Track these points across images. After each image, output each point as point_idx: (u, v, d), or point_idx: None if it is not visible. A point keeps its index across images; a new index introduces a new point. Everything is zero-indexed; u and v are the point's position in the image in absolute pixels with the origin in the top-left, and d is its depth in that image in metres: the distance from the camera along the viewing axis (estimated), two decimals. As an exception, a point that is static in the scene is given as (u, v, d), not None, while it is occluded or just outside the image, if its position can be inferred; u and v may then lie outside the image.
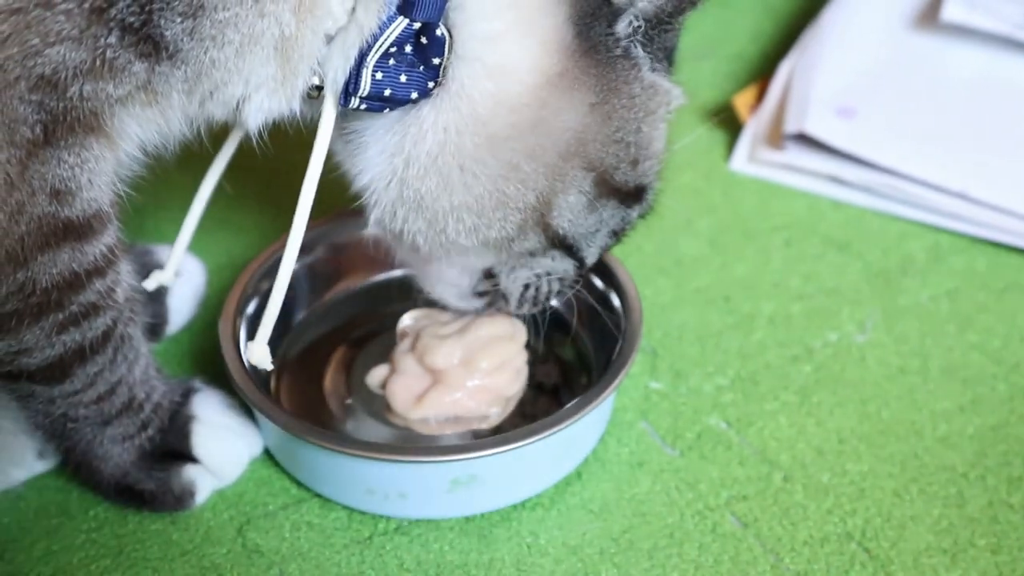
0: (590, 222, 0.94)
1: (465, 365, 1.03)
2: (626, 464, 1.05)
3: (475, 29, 0.87)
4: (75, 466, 1.00)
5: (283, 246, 0.93)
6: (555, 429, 0.97)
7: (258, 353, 0.95)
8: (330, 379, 1.10)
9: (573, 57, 0.88)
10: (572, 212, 0.93)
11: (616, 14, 0.89)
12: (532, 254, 0.96)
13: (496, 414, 1.05)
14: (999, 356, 1.15)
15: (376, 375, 1.07)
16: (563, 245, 0.95)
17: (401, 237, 0.95)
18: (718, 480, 1.04)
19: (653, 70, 0.92)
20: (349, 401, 1.08)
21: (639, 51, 0.91)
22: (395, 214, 0.93)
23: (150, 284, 1.06)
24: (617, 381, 1.01)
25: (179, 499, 1.00)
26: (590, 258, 0.98)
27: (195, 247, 1.17)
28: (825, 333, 1.17)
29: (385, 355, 1.08)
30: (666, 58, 0.94)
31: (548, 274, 0.99)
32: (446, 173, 0.90)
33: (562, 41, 0.88)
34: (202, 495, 1.01)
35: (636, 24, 0.90)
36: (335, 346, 1.13)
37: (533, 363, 1.07)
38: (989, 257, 1.26)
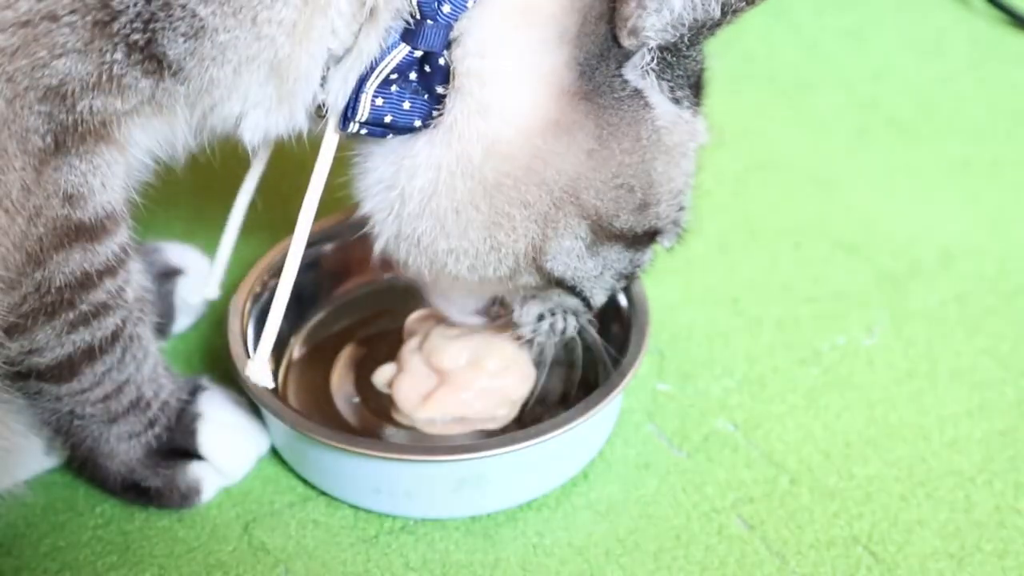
0: (590, 266, 0.93)
1: (472, 366, 1.03)
2: (632, 465, 1.05)
3: (470, 65, 0.85)
4: (81, 463, 1.00)
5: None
6: (562, 430, 0.97)
7: (257, 371, 0.95)
8: (337, 377, 1.10)
9: (572, 101, 0.86)
10: (567, 256, 0.91)
11: (627, 55, 0.86)
12: (537, 288, 0.95)
13: (503, 416, 1.05)
14: (1008, 360, 1.14)
15: (383, 374, 1.07)
16: (562, 286, 0.94)
17: (407, 266, 0.94)
18: (724, 482, 1.03)
19: (675, 100, 0.89)
20: (356, 400, 1.08)
21: (654, 83, 0.88)
22: (398, 247, 0.92)
23: (195, 299, 1.09)
24: (624, 382, 1.01)
25: (185, 496, 1.00)
26: (596, 299, 0.96)
27: (203, 245, 1.17)
28: (833, 336, 1.17)
29: (393, 354, 1.08)
30: (691, 85, 0.90)
31: (562, 308, 0.98)
32: (441, 216, 0.89)
33: (561, 85, 0.85)
34: (208, 493, 1.01)
35: (651, 56, 0.87)
36: (343, 344, 1.13)
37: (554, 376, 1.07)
38: (998, 261, 1.26)
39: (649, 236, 0.94)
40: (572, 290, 0.95)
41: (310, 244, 0.94)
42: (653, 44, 0.86)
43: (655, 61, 0.87)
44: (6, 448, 0.93)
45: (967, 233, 1.30)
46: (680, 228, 0.96)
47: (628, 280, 0.98)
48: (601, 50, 0.85)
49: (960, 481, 1.04)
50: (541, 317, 0.99)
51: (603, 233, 0.90)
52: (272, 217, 1.13)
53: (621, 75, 0.86)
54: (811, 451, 1.06)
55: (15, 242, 0.82)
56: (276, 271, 1.10)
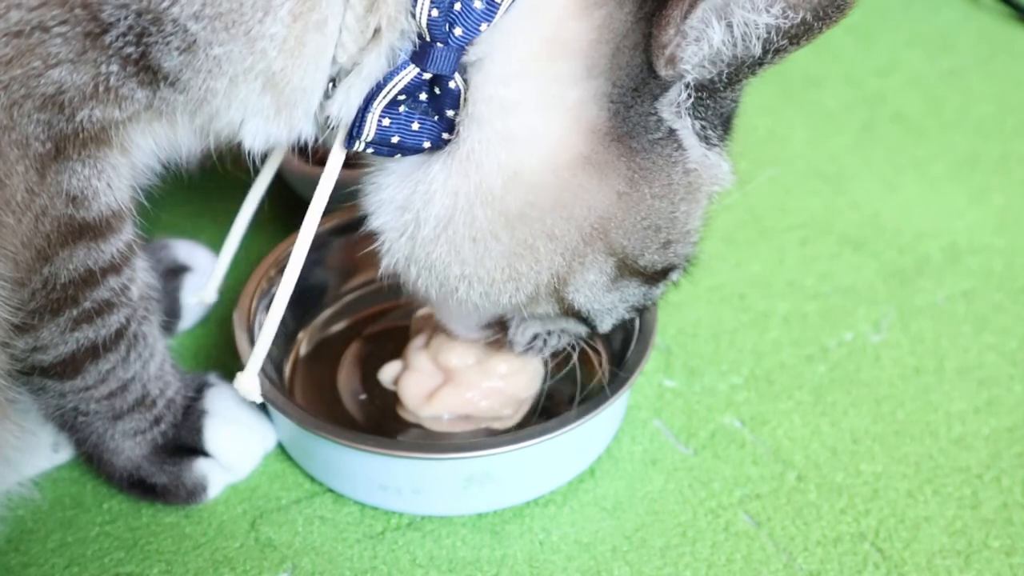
0: (608, 299, 0.91)
1: (480, 365, 1.03)
2: (639, 462, 1.05)
3: (491, 92, 0.83)
4: (87, 458, 1.01)
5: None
6: (569, 427, 0.97)
7: (246, 385, 0.94)
8: (344, 374, 1.10)
9: (604, 141, 0.83)
10: (590, 290, 0.90)
11: (664, 88, 0.82)
12: (549, 315, 0.93)
13: (509, 415, 1.05)
14: (1015, 357, 1.14)
15: (389, 371, 1.07)
16: (577, 316, 0.93)
17: (415, 287, 0.93)
18: (731, 479, 1.03)
19: (704, 139, 0.87)
20: (362, 396, 1.08)
21: (687, 123, 0.85)
22: (408, 267, 0.91)
23: (192, 301, 1.07)
24: (632, 379, 1.01)
25: (191, 493, 1.00)
26: (603, 327, 0.95)
27: (209, 242, 1.18)
28: (840, 332, 1.17)
29: (399, 351, 1.08)
30: (721, 125, 0.88)
31: (561, 330, 0.97)
32: (457, 243, 0.87)
33: (591, 120, 0.83)
34: (214, 489, 1.01)
35: (687, 95, 0.83)
36: (349, 341, 1.13)
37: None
38: (1005, 258, 1.26)
39: (665, 272, 0.92)
40: (584, 320, 0.94)
41: (316, 242, 0.94)
42: (690, 79, 0.82)
43: (691, 100, 0.84)
44: (18, 447, 0.93)
45: (974, 229, 1.30)
46: (689, 263, 0.94)
47: (639, 313, 0.97)
48: (636, 84, 0.82)
49: (967, 478, 1.03)
50: (536, 336, 0.98)
51: (627, 269, 0.89)
52: (275, 214, 1.14)
53: (656, 113, 0.84)
54: (818, 447, 1.06)
55: (24, 240, 0.83)
56: (282, 267, 1.11)
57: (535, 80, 0.82)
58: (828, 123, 1.47)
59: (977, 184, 1.37)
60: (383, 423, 1.06)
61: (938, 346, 1.16)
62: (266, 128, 0.85)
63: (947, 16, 1.67)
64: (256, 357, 0.93)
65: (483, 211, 0.85)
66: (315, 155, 0.91)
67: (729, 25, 0.79)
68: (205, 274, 1.14)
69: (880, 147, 1.43)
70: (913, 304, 1.20)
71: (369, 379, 1.09)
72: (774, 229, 1.29)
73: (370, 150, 0.86)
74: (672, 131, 0.85)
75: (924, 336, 1.17)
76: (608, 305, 0.92)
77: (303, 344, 1.13)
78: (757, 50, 0.80)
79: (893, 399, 1.10)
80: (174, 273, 1.13)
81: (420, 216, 0.87)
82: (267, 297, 1.09)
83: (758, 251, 1.26)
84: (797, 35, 0.80)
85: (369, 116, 0.84)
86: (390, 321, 1.15)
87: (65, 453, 1.03)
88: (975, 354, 1.15)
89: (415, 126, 0.85)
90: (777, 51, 0.80)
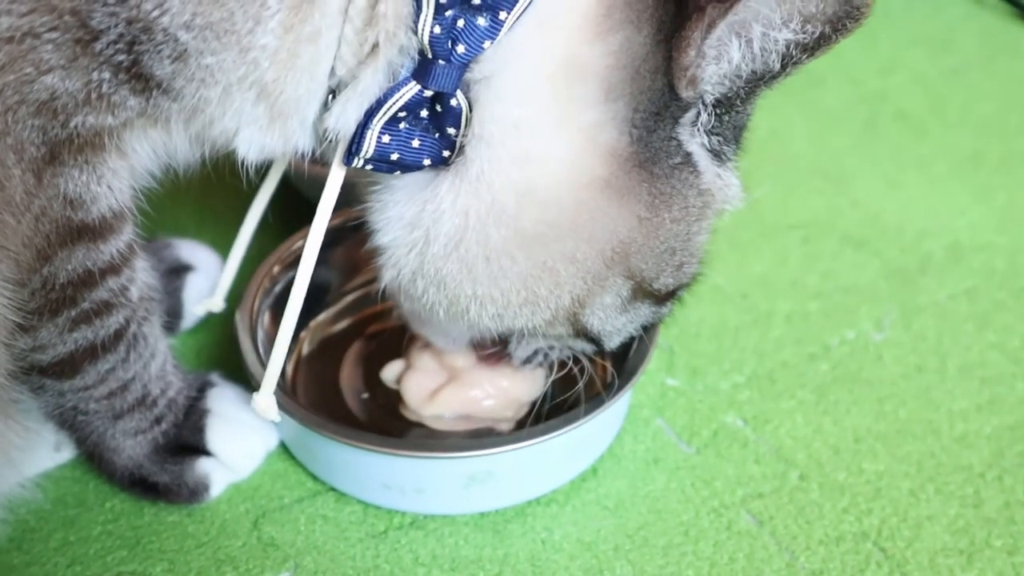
0: (621, 321, 0.91)
1: (487, 367, 1.03)
2: (642, 461, 1.05)
3: (500, 111, 0.81)
4: (88, 456, 1.01)
5: (302, 238, 0.92)
6: (571, 427, 0.97)
7: (263, 404, 0.93)
8: (347, 373, 1.10)
9: (625, 167, 0.82)
10: (605, 312, 0.89)
11: (684, 110, 0.82)
12: (560, 336, 0.93)
13: (511, 417, 1.04)
14: (1017, 355, 1.14)
15: (392, 370, 1.07)
16: (588, 336, 0.92)
17: (419, 303, 0.91)
18: (734, 478, 1.03)
19: (719, 155, 0.86)
20: (365, 395, 1.08)
21: (702, 142, 0.85)
22: (415, 282, 0.89)
23: (199, 310, 1.08)
24: (634, 379, 1.01)
25: (193, 492, 1.00)
26: (611, 346, 0.95)
27: (212, 240, 1.18)
28: (842, 331, 1.17)
29: (402, 350, 1.08)
30: (734, 139, 0.88)
31: (565, 345, 0.96)
32: (470, 262, 0.86)
33: (611, 146, 0.82)
34: (216, 488, 1.01)
35: (706, 113, 0.83)
36: (352, 340, 1.13)
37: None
38: (1008, 256, 1.26)
39: (673, 292, 0.92)
40: (594, 340, 0.93)
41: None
42: (709, 98, 0.82)
43: (711, 119, 0.84)
44: (21, 448, 0.93)
45: (977, 227, 1.30)
46: (695, 279, 0.94)
47: (645, 331, 0.97)
48: (658, 107, 0.82)
49: (970, 477, 1.03)
50: (536, 352, 0.97)
51: (641, 292, 0.89)
52: (278, 213, 1.13)
53: (675, 137, 0.83)
54: (820, 446, 1.06)
55: (25, 241, 0.83)
56: (286, 267, 1.11)
57: (549, 100, 0.81)
58: (830, 122, 1.47)
59: (979, 182, 1.37)
60: (386, 422, 1.06)
61: (940, 344, 1.16)
62: (260, 138, 0.85)
63: (949, 15, 1.67)
64: (270, 377, 0.93)
65: (496, 230, 0.84)
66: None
67: (748, 42, 0.79)
68: (207, 274, 1.14)
69: (882, 146, 1.43)
70: (915, 303, 1.20)
71: (372, 378, 1.09)
72: (776, 228, 1.29)
73: (369, 167, 0.85)
74: (688, 155, 0.85)
75: (926, 335, 1.17)
76: (619, 326, 0.92)
77: (306, 343, 1.13)
78: (776, 65, 0.80)
79: (895, 398, 1.10)
80: (176, 273, 1.13)
81: (430, 233, 0.86)
82: (270, 296, 1.10)
83: (760, 250, 1.26)
84: (814, 47, 0.80)
85: (368, 133, 0.83)
86: (393, 320, 1.14)
87: (67, 452, 1.03)
88: (977, 352, 1.15)
89: (415, 143, 0.84)
90: (795, 63, 0.81)
